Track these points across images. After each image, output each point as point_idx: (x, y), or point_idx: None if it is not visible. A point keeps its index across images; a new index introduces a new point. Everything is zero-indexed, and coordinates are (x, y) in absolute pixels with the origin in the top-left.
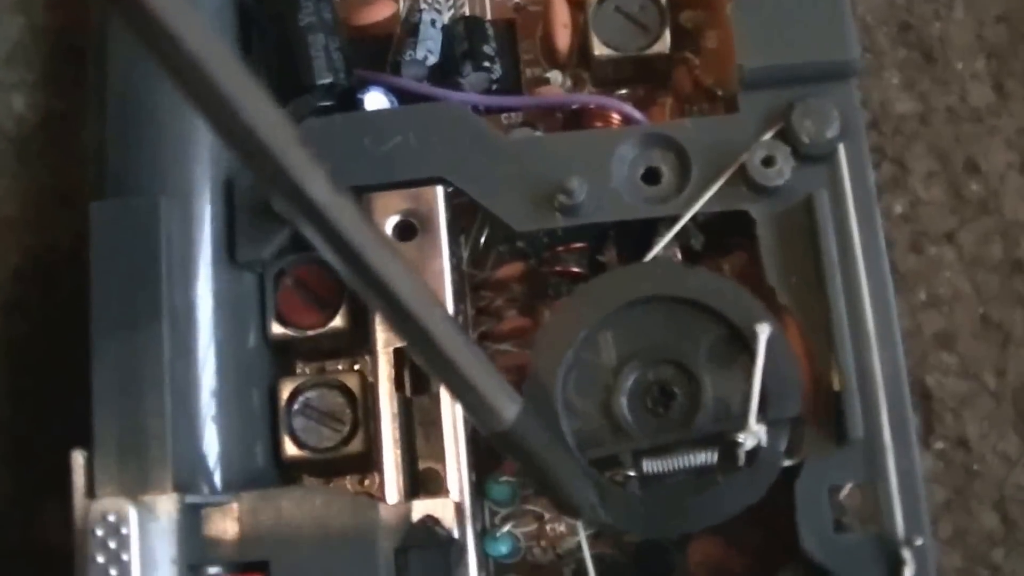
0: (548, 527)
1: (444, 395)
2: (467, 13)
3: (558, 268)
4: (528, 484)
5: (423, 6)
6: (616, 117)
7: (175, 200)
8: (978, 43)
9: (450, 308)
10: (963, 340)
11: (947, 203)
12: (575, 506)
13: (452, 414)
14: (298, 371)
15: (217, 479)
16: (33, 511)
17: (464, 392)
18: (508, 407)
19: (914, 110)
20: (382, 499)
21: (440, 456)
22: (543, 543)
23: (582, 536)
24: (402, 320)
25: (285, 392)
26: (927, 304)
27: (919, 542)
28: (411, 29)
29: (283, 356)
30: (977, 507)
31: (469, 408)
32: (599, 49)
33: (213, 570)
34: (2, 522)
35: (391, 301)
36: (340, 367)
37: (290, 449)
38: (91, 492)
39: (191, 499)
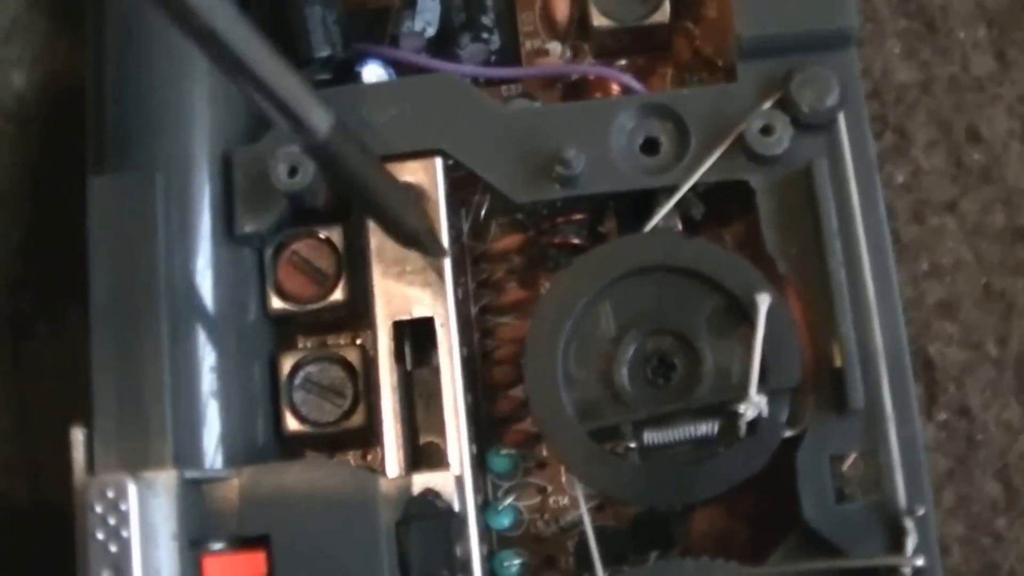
0: (550, 499)
1: (444, 368)
2: None
3: (557, 239)
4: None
5: None
6: (615, 87)
7: (172, 175)
8: (979, 12)
9: (450, 280)
10: (965, 309)
11: (949, 172)
12: (404, 223)
13: (452, 388)
14: (299, 345)
15: (218, 454)
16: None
17: (276, 106)
18: (321, 119)
19: (915, 79)
20: (383, 473)
21: (441, 429)
22: (545, 516)
23: (583, 509)
24: (203, 37)
25: (286, 366)
26: (929, 273)
27: (921, 511)
28: (409, 1)
29: (283, 330)
30: (980, 476)
31: (285, 121)
32: (598, 19)
33: (215, 544)
34: (7, 489)
35: (191, 20)
36: (341, 341)
37: (291, 423)
38: (91, 468)
39: (191, 474)
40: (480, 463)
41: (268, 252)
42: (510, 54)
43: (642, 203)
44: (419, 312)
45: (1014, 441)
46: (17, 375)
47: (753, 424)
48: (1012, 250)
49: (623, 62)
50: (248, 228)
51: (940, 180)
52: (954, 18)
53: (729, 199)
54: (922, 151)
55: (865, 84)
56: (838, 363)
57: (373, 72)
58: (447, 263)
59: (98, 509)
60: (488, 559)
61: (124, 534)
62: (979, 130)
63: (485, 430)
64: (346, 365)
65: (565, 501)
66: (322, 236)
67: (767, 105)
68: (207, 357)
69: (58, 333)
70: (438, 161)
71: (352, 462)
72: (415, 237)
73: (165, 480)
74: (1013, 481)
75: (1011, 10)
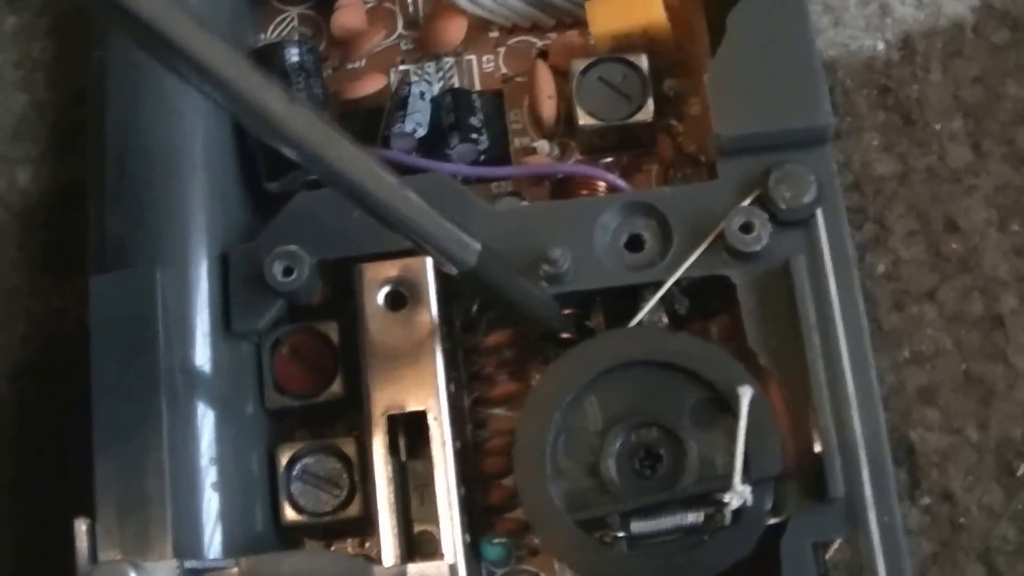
0: None
1: (438, 460)
2: (456, 85)
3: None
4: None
5: (413, 79)
6: (601, 184)
7: (172, 271)
8: (955, 104)
9: (442, 375)
10: (946, 395)
11: (928, 261)
12: (546, 322)
13: (446, 479)
14: (296, 437)
15: (217, 544)
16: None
17: (427, 245)
18: (469, 252)
19: (894, 171)
20: (379, 562)
21: (435, 519)
22: None
23: None
24: (359, 194)
25: (283, 458)
26: (910, 361)
27: None
28: (400, 102)
29: (281, 422)
30: (963, 560)
31: (436, 257)
32: (583, 119)
33: None
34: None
35: (352, 187)
36: (337, 433)
37: (289, 514)
38: (94, 558)
39: (191, 564)
40: (474, 551)
41: (265, 347)
42: (500, 151)
43: (629, 296)
44: (413, 406)
45: (996, 524)
46: (22, 460)
47: (738, 512)
48: (990, 337)
49: (609, 159)
50: (245, 325)
51: (919, 269)
52: (930, 111)
53: (713, 293)
54: (901, 241)
55: (845, 177)
56: (818, 452)
57: None
58: (439, 356)
59: None
60: None
61: None
62: (957, 220)
63: (478, 519)
64: (342, 457)
65: None
66: (318, 331)
67: (746, 202)
68: (207, 450)
69: (61, 415)
70: (428, 258)
71: (349, 550)
72: (547, 326)
73: (166, 570)
74: (996, 564)
75: (986, 102)
